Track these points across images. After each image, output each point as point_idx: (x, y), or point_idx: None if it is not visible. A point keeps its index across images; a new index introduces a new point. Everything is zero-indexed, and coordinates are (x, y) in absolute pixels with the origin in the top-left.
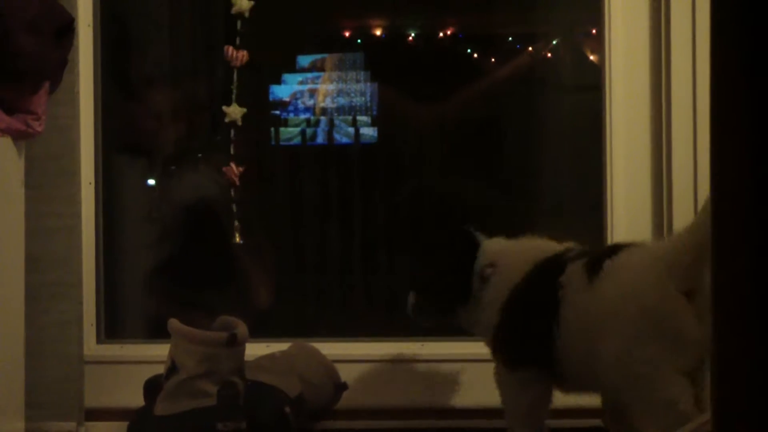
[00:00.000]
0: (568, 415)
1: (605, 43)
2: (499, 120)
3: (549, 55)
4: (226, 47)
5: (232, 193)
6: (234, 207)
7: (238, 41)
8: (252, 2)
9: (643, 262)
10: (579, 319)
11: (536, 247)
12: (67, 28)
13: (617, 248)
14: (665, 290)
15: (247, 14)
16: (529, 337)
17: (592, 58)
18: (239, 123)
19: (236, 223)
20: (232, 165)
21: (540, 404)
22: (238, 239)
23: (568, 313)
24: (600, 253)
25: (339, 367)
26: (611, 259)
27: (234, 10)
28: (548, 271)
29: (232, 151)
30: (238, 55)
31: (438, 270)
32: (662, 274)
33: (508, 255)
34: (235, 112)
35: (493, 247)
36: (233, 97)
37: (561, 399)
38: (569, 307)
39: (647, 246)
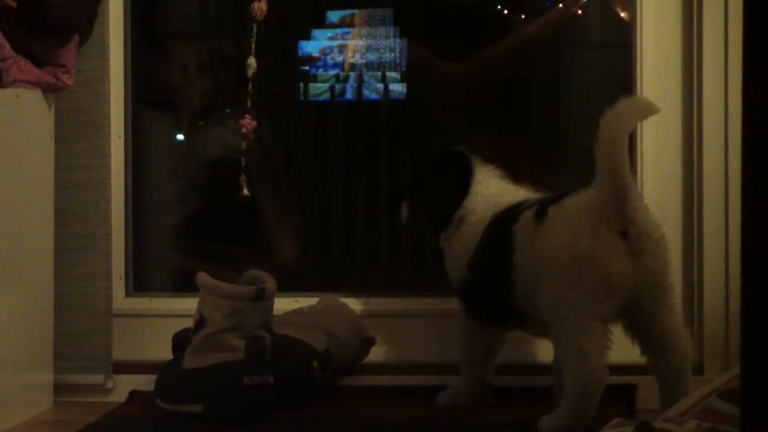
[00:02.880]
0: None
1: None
2: (527, 78)
3: (579, 12)
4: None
5: (244, 146)
6: (243, 160)
7: None
8: None
9: (578, 208)
10: (528, 263)
11: (501, 196)
12: None
13: (561, 195)
14: (599, 234)
15: None
16: (492, 295)
17: (622, 15)
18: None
19: (243, 176)
20: (248, 118)
21: (491, 352)
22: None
23: (519, 260)
24: (547, 201)
25: (366, 322)
26: (554, 206)
27: None
28: (503, 222)
29: (249, 104)
30: (261, 7)
31: (433, 185)
32: (595, 219)
33: (480, 205)
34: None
35: (479, 190)
36: (252, 50)
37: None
38: (520, 254)
39: (584, 193)
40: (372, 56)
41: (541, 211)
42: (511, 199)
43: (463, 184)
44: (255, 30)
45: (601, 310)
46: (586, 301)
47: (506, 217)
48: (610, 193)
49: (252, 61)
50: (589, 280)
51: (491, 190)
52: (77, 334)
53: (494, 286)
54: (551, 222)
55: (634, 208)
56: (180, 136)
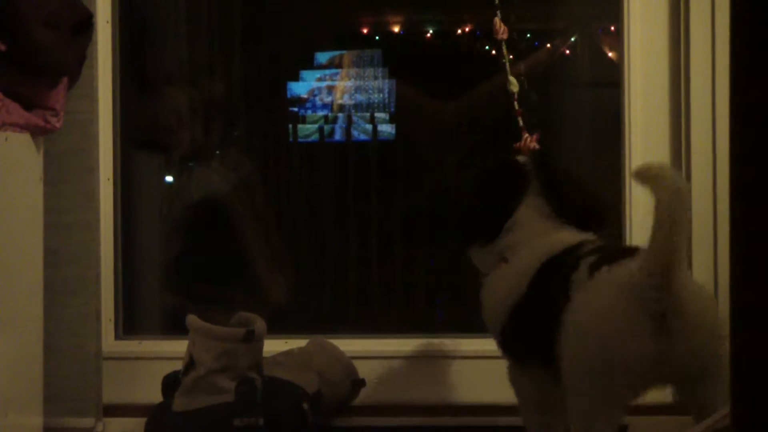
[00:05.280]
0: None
1: (624, 39)
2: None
3: (567, 52)
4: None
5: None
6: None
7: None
8: None
9: (623, 276)
10: (576, 316)
11: (552, 240)
12: (85, 24)
13: (624, 252)
14: (628, 311)
15: None
16: (537, 341)
17: (610, 54)
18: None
19: None
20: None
21: (551, 398)
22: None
23: (572, 308)
24: (608, 253)
25: (357, 363)
26: (609, 265)
27: None
28: (560, 269)
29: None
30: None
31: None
32: (629, 294)
33: (525, 247)
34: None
35: (523, 224)
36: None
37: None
38: (574, 303)
39: (631, 263)
40: (361, 97)
41: (597, 264)
42: (562, 241)
43: (510, 200)
44: (505, 49)
45: (615, 393)
46: (603, 385)
47: (563, 263)
48: (653, 272)
49: (514, 81)
50: (605, 358)
51: (534, 229)
52: (67, 377)
53: (540, 339)
54: (595, 283)
55: (677, 289)
56: (169, 178)
